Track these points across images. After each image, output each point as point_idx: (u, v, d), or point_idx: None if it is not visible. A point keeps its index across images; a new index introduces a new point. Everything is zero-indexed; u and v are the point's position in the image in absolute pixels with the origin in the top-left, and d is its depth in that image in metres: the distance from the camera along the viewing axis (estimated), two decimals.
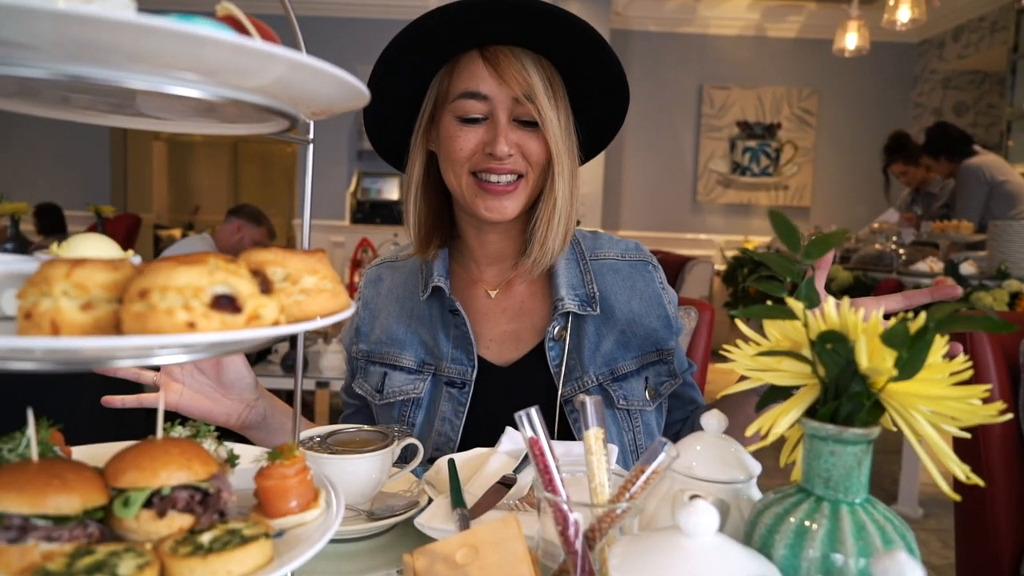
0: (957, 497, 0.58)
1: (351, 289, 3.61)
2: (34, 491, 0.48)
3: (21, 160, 7.12)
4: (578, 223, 1.18)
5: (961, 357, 0.58)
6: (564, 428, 1.10)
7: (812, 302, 0.61)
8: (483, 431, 1.04)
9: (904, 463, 3.23)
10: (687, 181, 7.39)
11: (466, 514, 0.76)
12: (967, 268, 3.23)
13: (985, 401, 0.55)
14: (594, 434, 0.63)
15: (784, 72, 7.23)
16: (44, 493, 0.48)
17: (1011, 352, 1.38)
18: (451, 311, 1.15)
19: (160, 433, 0.59)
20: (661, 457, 0.61)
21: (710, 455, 0.71)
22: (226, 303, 0.44)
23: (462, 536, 0.62)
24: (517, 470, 0.88)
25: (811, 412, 0.60)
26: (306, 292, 0.53)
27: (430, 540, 0.72)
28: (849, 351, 0.56)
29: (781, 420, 0.60)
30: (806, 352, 0.59)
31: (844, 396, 0.57)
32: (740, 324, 0.68)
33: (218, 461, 0.58)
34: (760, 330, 0.66)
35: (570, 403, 1.10)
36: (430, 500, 0.85)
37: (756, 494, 0.71)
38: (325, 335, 3.27)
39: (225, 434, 0.73)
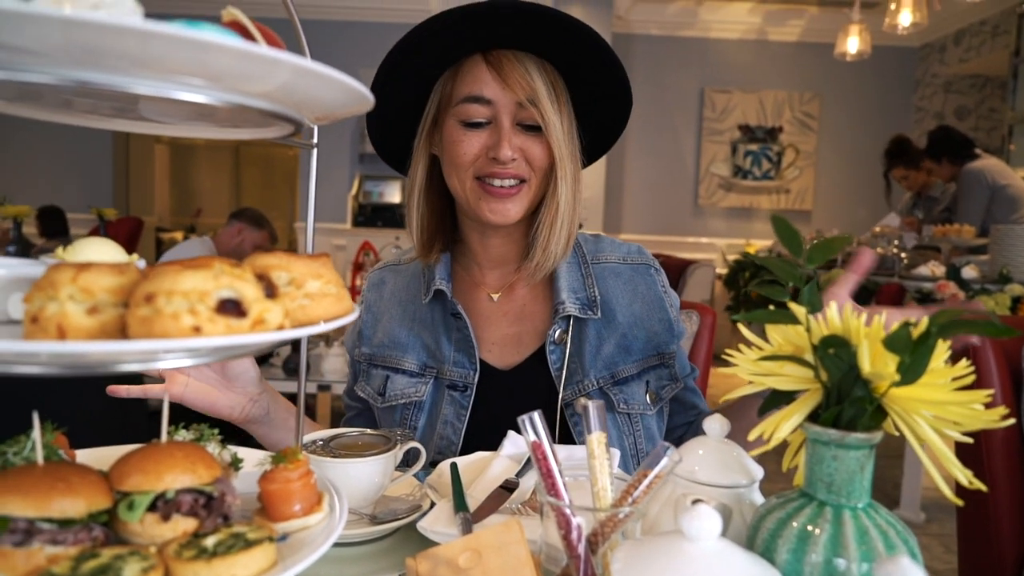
0: (959, 502, 0.58)
1: (353, 292, 3.61)
2: (39, 494, 0.49)
3: (24, 163, 7.13)
4: (580, 226, 1.18)
5: (964, 361, 0.58)
6: (565, 431, 1.10)
7: (814, 306, 0.61)
8: (485, 434, 1.04)
9: (906, 467, 3.23)
10: (689, 184, 7.39)
11: (469, 518, 0.76)
12: (969, 272, 3.23)
13: (987, 406, 0.55)
14: (597, 438, 0.63)
15: (785, 76, 7.24)
16: (49, 496, 0.49)
17: (1013, 357, 1.38)
18: (453, 314, 1.15)
19: (164, 436, 0.59)
20: (664, 461, 0.61)
21: (712, 459, 0.71)
22: (231, 307, 0.44)
23: (465, 540, 0.62)
24: (519, 474, 0.88)
25: (813, 417, 0.60)
26: (310, 296, 0.53)
27: (433, 544, 0.72)
28: (851, 356, 0.56)
29: (783, 425, 0.60)
30: (808, 357, 0.59)
31: (846, 401, 0.57)
32: (742, 328, 0.69)
33: (222, 465, 0.58)
34: (762, 334, 0.67)
35: (571, 407, 1.10)
36: (433, 504, 0.85)
37: (759, 498, 0.71)
38: (327, 338, 3.27)
39: (228, 436, 0.74)
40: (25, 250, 4.17)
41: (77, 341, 0.43)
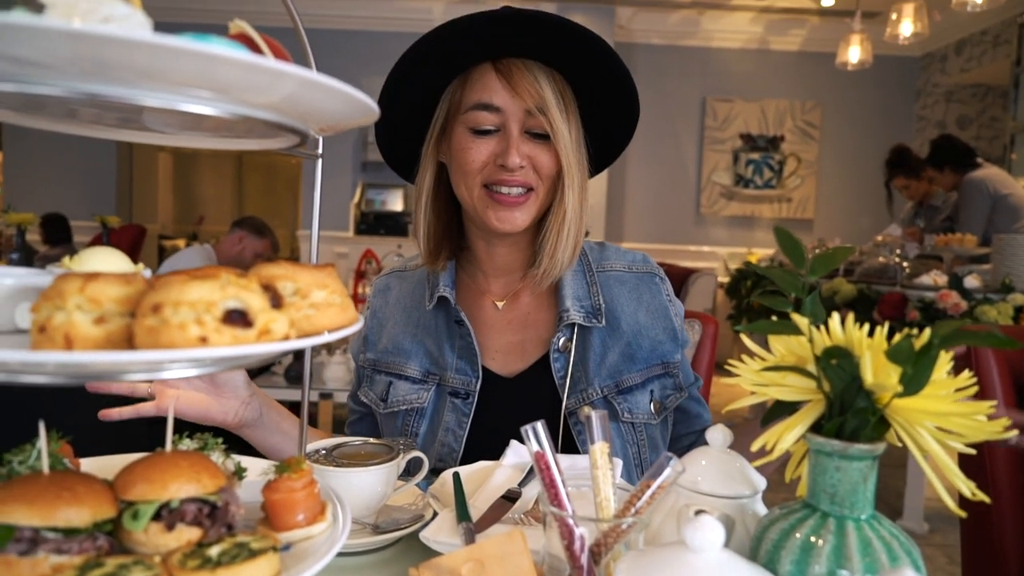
0: (962, 513, 0.58)
1: (355, 301, 3.62)
2: (45, 503, 0.49)
3: (28, 170, 7.16)
4: (587, 234, 1.19)
5: (966, 373, 0.58)
6: (568, 440, 1.10)
7: (817, 317, 0.61)
8: (487, 442, 1.04)
9: (909, 477, 3.21)
10: (690, 193, 7.40)
11: (471, 528, 0.76)
12: (971, 281, 3.22)
13: (991, 417, 0.55)
14: (600, 448, 0.63)
15: (787, 85, 7.26)
16: (55, 505, 0.49)
17: (1017, 367, 1.38)
18: (456, 321, 1.15)
19: (169, 446, 0.59)
20: (667, 472, 0.61)
21: (715, 470, 0.71)
22: (237, 318, 0.44)
23: (468, 550, 0.62)
24: (522, 484, 0.88)
25: (816, 427, 0.60)
26: (315, 306, 0.53)
27: (435, 554, 0.72)
28: (854, 367, 0.56)
29: (786, 435, 0.60)
30: (811, 367, 0.60)
31: (849, 412, 0.57)
32: (745, 339, 0.69)
33: (226, 474, 0.58)
34: (765, 344, 0.67)
35: (575, 415, 1.10)
36: (435, 513, 0.85)
37: (761, 509, 0.71)
38: (329, 347, 3.27)
39: (232, 446, 0.74)
40: (28, 257, 4.18)
41: (84, 351, 0.44)
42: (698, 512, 0.61)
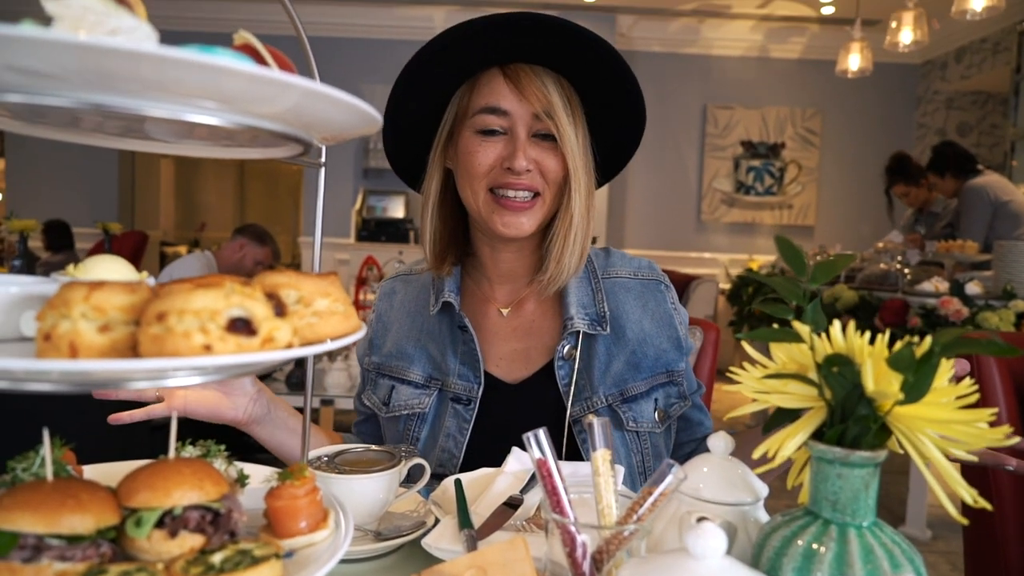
0: (965, 521, 0.58)
1: (356, 307, 3.62)
2: (49, 510, 0.49)
3: (30, 177, 7.18)
4: (594, 241, 1.19)
5: (967, 380, 0.58)
6: (572, 448, 1.10)
7: (818, 325, 0.61)
8: (490, 449, 1.04)
9: (911, 484, 3.20)
10: (691, 200, 7.41)
11: (473, 535, 0.76)
12: (972, 288, 3.22)
13: (992, 424, 0.55)
14: (601, 455, 0.63)
15: (787, 92, 7.28)
16: (59, 513, 0.49)
17: (1019, 374, 1.38)
18: (460, 327, 1.16)
19: (172, 453, 0.59)
20: (669, 479, 0.61)
21: (717, 477, 0.71)
22: (242, 326, 0.45)
23: (470, 557, 0.62)
24: (524, 490, 0.88)
25: (818, 435, 0.60)
26: (319, 315, 0.53)
27: (437, 561, 0.72)
28: (855, 374, 0.56)
29: (788, 443, 0.60)
30: (812, 375, 0.60)
31: (851, 419, 0.57)
32: (746, 346, 0.69)
33: (229, 481, 0.58)
34: (766, 351, 0.67)
35: (579, 423, 1.10)
36: (437, 520, 0.85)
37: (763, 516, 0.71)
38: (330, 354, 3.27)
39: (233, 452, 0.74)
40: (30, 264, 4.19)
41: (89, 359, 0.44)
42: (700, 519, 0.61)
